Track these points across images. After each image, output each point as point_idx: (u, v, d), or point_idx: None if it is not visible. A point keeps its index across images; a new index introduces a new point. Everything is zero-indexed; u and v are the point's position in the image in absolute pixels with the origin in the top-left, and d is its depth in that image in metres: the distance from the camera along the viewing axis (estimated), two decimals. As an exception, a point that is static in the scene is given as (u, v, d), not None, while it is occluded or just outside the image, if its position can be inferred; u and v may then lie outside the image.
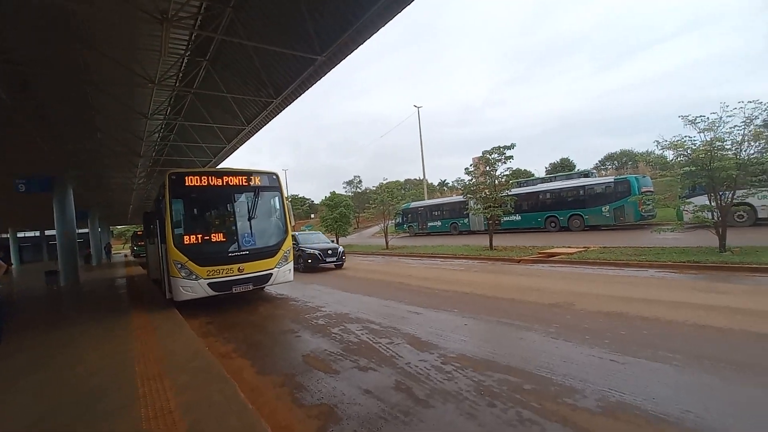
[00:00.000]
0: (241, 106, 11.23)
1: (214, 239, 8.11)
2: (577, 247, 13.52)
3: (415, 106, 36.72)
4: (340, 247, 15.49)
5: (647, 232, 16.50)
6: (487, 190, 15.07)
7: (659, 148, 11.05)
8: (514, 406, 3.25)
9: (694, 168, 10.14)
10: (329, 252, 14.55)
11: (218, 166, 17.84)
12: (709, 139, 9.68)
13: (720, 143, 9.69)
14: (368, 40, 7.00)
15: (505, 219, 23.25)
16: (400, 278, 10.87)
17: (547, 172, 51.21)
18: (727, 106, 9.50)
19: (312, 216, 64.62)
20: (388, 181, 21.12)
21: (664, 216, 19.82)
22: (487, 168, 14.90)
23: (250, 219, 8.52)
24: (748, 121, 9.38)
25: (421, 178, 40.51)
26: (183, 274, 7.54)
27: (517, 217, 23.21)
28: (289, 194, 43.28)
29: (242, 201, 8.71)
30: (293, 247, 10.64)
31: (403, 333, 5.53)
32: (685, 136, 10.36)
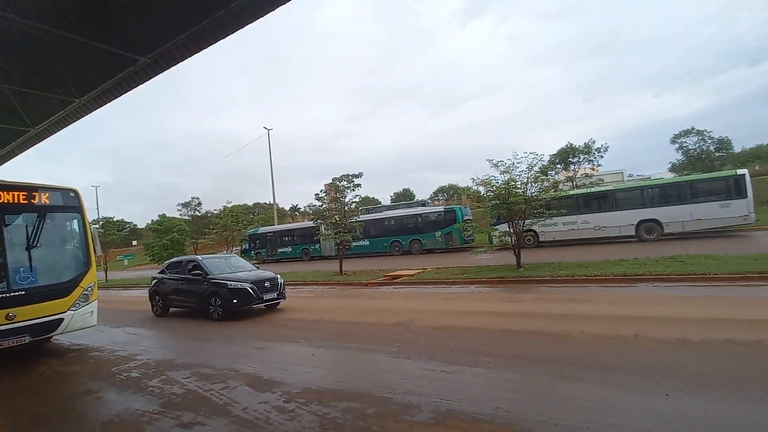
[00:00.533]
0: (28, 102, 8.63)
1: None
2: (416, 269, 14.95)
3: (266, 128, 35.53)
4: (278, 275, 10.03)
5: (469, 254, 19.68)
6: (337, 216, 15.43)
7: (474, 184, 13.44)
8: (357, 435, 3.18)
9: (498, 201, 12.65)
10: (266, 284, 9.23)
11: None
12: (506, 179, 12.23)
13: (514, 183, 12.37)
14: (207, 49, 6.39)
15: (355, 244, 24.27)
16: (244, 311, 9.90)
17: (392, 200, 56.31)
18: (517, 154, 12.29)
19: (134, 243, 54.14)
20: (233, 204, 19.21)
21: (480, 240, 24.00)
22: (337, 194, 15.32)
23: (29, 248, 6.43)
24: (530, 167, 12.29)
25: (272, 202, 38.99)
26: None
27: (366, 243, 24.51)
28: (101, 216, 35.20)
29: (18, 224, 6.54)
30: (203, 280, 9.27)
31: (243, 374, 4.92)
32: (491, 176, 12.90)
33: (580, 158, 28.27)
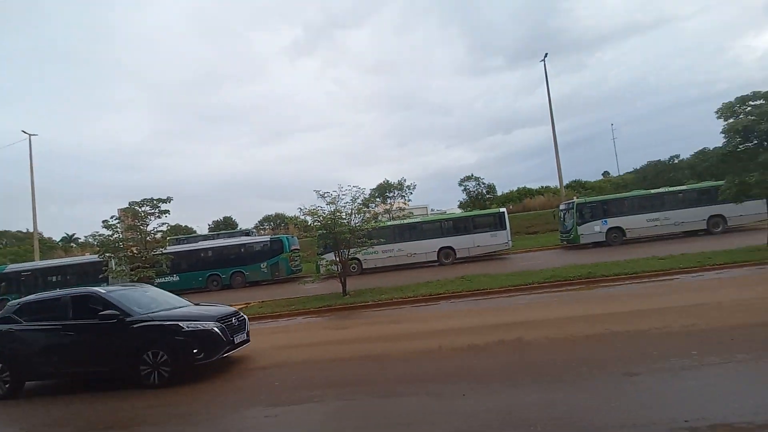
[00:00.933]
0: None
1: None
2: (239, 305, 13.58)
3: (25, 133, 26.91)
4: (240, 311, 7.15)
5: (296, 284, 19.26)
6: (135, 248, 12.70)
7: (302, 213, 13.45)
8: None
9: (324, 231, 12.97)
10: (234, 321, 6.31)
11: None
12: (332, 210, 12.71)
13: (339, 213, 12.95)
14: None
15: (160, 281, 20.44)
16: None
17: (210, 229, 50.67)
18: (342, 187, 13.00)
19: None
20: None
21: (308, 269, 23.93)
22: (136, 222, 12.70)
23: None
24: (354, 199, 13.17)
25: (33, 230, 29.20)
26: None
27: (175, 278, 20.98)
28: None
29: None
30: (121, 326, 5.69)
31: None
32: (318, 206, 13.20)
33: (394, 193, 32.58)
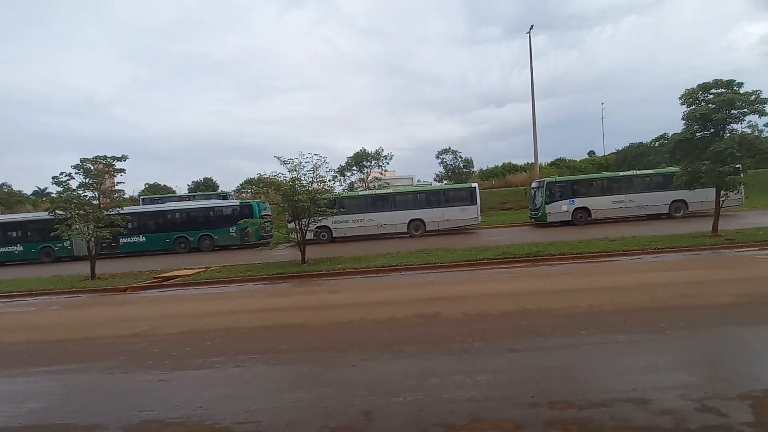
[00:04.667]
0: None
1: None
2: (198, 268, 13.62)
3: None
4: None
5: (265, 250, 19.29)
6: (86, 207, 12.42)
7: (261, 183, 13.24)
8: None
9: (284, 200, 12.85)
10: None
11: None
12: (291, 178, 12.53)
13: (299, 182, 12.78)
14: None
15: (126, 240, 20.27)
16: None
17: (190, 190, 49.82)
18: (304, 154, 12.77)
19: None
20: None
21: (279, 235, 23.92)
22: (88, 180, 12.34)
23: None
24: (315, 168, 12.98)
25: (-2, 184, 28.15)
26: None
27: (142, 239, 20.84)
28: None
29: None
30: None
31: None
32: (280, 173, 13.00)
33: (371, 162, 32.23)
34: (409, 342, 4.79)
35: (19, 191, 42.89)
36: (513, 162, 38.63)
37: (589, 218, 19.87)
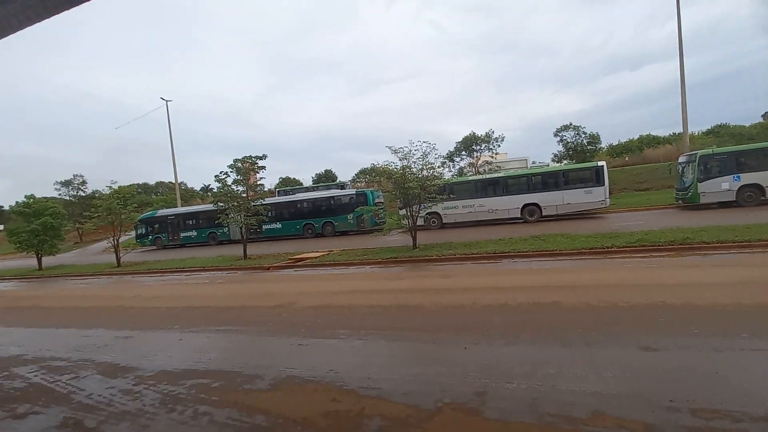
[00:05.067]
0: None
1: None
2: (323, 251, 15.29)
3: (163, 99, 32.20)
4: None
5: (379, 235, 20.53)
6: (239, 200, 15.00)
7: (373, 172, 14.05)
8: (193, 405, 3.46)
9: (395, 187, 13.44)
10: None
11: None
12: (401, 167, 13.01)
13: (410, 169, 13.19)
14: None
15: (267, 227, 23.80)
16: (122, 301, 9.37)
17: (314, 181, 55.52)
18: (413, 143, 13.10)
19: (-2, 229, 45.64)
20: (116, 185, 16.87)
21: (391, 223, 25.10)
22: (239, 177, 14.87)
23: None
24: (424, 155, 13.21)
25: (176, 181, 35.89)
26: None
27: (278, 225, 24.15)
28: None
29: None
30: None
31: (98, 363, 4.85)
32: (391, 162, 13.61)
33: (481, 146, 30.94)
34: (524, 329, 4.68)
35: (192, 188, 53.81)
36: (653, 134, 32.66)
37: (763, 198, 15.76)
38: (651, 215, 17.09)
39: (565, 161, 29.97)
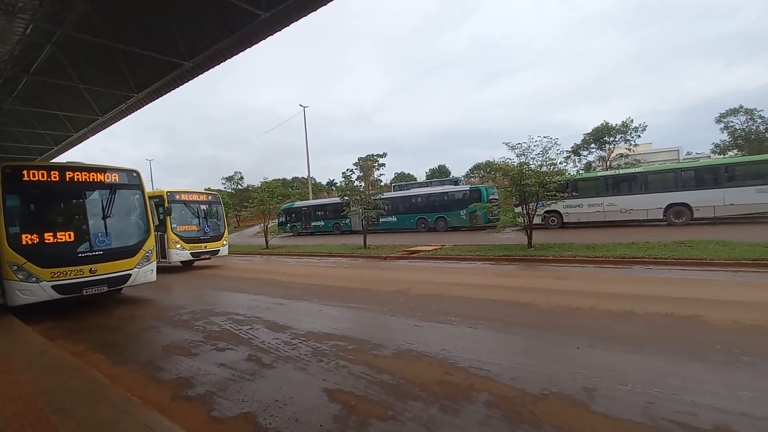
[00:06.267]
0: (96, 95, 10.35)
1: (59, 239, 7.56)
2: (435, 245, 15.90)
3: (301, 106, 37.02)
4: None
5: (492, 233, 20.20)
6: (361, 194, 16.60)
7: (490, 168, 13.96)
8: (335, 359, 4.38)
9: (511, 184, 13.16)
10: None
11: (64, 157, 15.58)
12: (519, 163, 12.67)
13: (527, 166, 12.77)
14: (242, 53, 7.51)
15: (383, 220, 25.51)
16: (274, 275, 11.49)
17: (427, 176, 56.64)
18: (533, 138, 12.64)
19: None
20: (268, 180, 20.55)
21: (505, 220, 24.32)
22: (361, 173, 16.44)
23: (105, 218, 8.15)
24: (544, 151, 12.63)
25: (309, 176, 40.91)
26: (20, 277, 6.92)
27: (394, 219, 25.66)
28: (154, 188, 38.77)
29: (94, 199, 8.25)
30: None
31: (264, 320, 6.32)
32: (508, 158, 13.36)
33: (616, 138, 27.18)
34: (650, 340, 4.44)
35: (319, 182, 60.39)
36: None
37: None
38: None
39: (733, 152, 24.36)
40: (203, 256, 14.03)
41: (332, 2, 5.88)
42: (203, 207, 14.35)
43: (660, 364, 3.80)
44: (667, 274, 8.16)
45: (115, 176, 8.45)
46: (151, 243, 8.76)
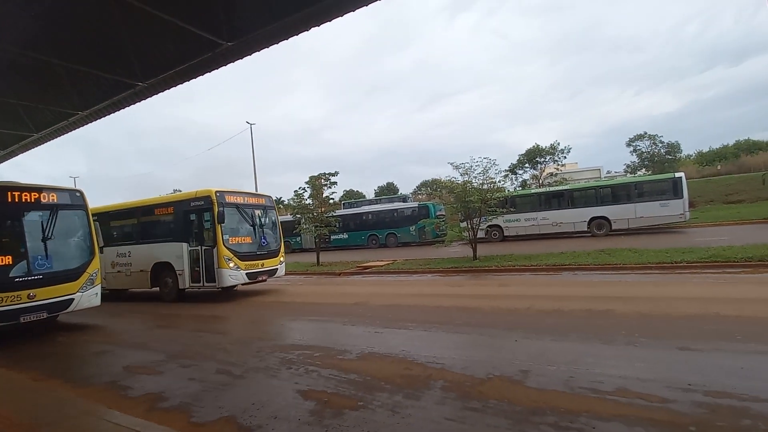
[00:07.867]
0: (32, 111, 9.71)
1: (-10, 264, 7.03)
2: (387, 260, 16.51)
3: (248, 123, 36.37)
4: None
5: (439, 247, 21.27)
6: (314, 212, 16.84)
7: (435, 186, 15.01)
8: (304, 366, 4.69)
9: (456, 201, 14.25)
10: None
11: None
12: (462, 181, 13.82)
13: (470, 184, 13.94)
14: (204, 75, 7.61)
15: (334, 237, 25.73)
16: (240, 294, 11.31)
17: (376, 194, 57.71)
18: (474, 158, 13.88)
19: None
20: None
21: (452, 235, 25.64)
22: (314, 191, 16.73)
23: (45, 240, 7.69)
24: (485, 170, 13.91)
25: (257, 196, 39.85)
26: (-55, 307, 6.34)
27: (345, 236, 26.00)
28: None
29: (34, 220, 7.78)
30: None
31: (229, 336, 6.39)
32: (453, 177, 14.49)
33: (545, 158, 30.31)
34: (572, 330, 5.29)
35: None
36: (752, 138, 29.34)
37: None
38: (738, 230, 15.81)
39: (640, 172, 28.19)
40: (260, 277, 10.67)
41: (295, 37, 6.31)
42: (258, 212, 11.07)
43: (580, 348, 4.60)
44: (589, 277, 9.42)
45: (54, 196, 8.05)
46: (95, 265, 8.37)
